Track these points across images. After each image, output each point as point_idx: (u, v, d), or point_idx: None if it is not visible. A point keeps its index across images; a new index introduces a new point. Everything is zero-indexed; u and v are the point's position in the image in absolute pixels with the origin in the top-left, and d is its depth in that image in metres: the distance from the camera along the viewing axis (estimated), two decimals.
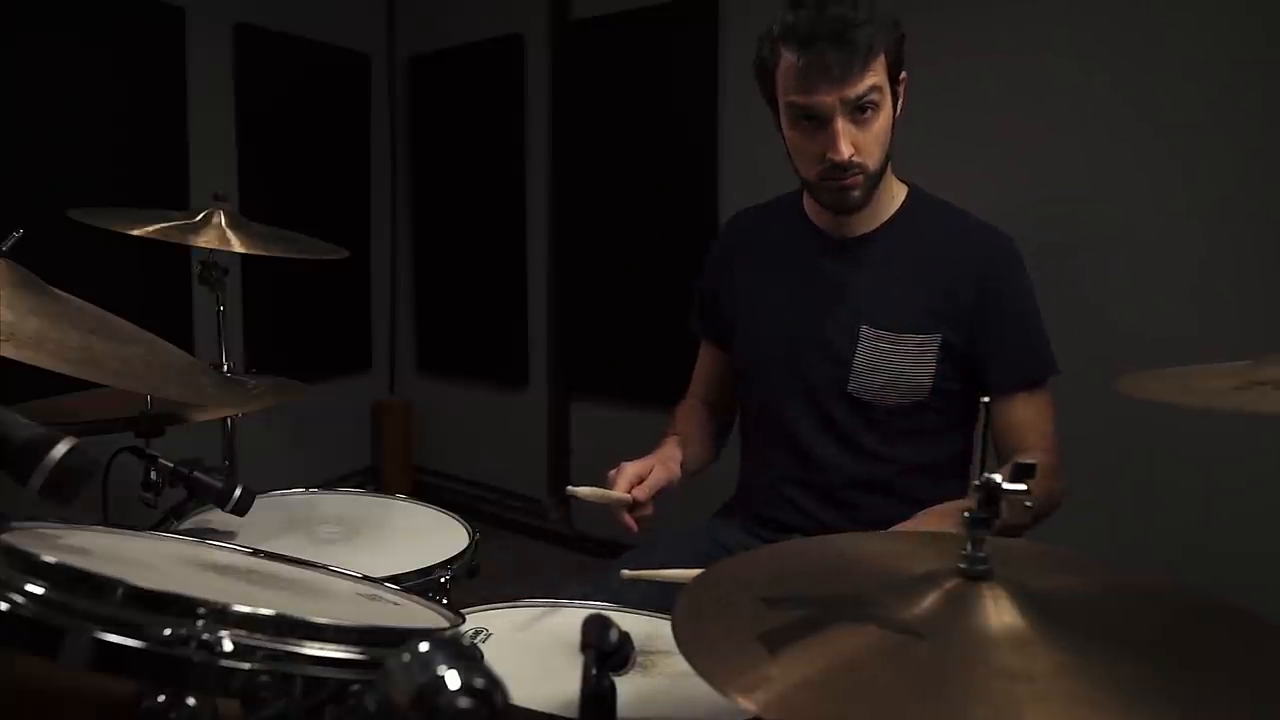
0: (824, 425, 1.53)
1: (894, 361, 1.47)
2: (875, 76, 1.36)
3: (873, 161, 1.41)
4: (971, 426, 1.55)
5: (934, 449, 1.52)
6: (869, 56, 1.34)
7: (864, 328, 1.48)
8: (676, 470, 1.48)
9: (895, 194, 1.53)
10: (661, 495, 1.42)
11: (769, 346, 1.58)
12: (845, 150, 1.36)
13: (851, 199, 1.44)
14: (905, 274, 1.49)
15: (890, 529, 1.28)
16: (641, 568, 1.24)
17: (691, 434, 1.64)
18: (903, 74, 1.44)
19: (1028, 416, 1.47)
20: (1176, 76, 2.31)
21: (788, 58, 1.38)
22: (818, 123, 1.38)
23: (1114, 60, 2.39)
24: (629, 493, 1.37)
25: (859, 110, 1.36)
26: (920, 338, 1.46)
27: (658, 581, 1.19)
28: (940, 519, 1.32)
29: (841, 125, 1.36)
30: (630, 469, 1.40)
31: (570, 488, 1.35)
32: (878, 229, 1.52)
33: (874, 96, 1.36)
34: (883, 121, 1.40)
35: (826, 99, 1.35)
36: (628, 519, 1.38)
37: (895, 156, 1.50)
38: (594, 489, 1.36)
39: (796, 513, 1.55)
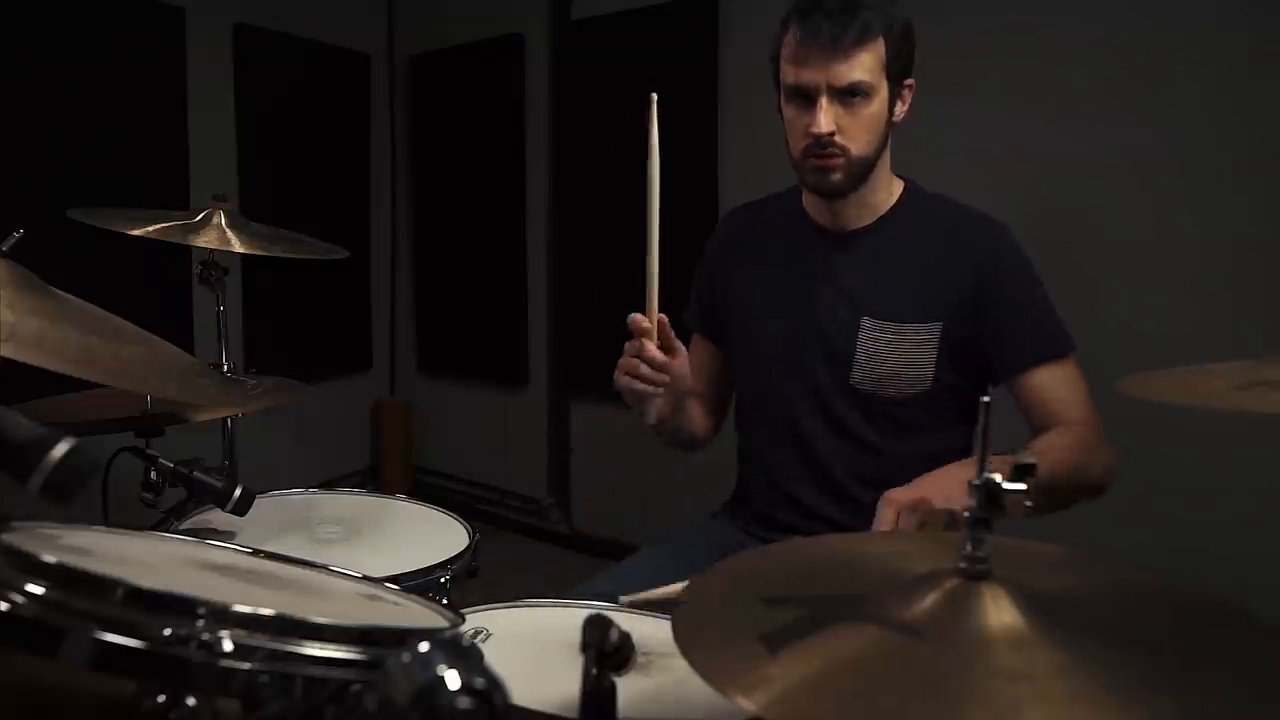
0: (826, 419, 1.53)
1: (896, 352, 1.48)
2: (866, 65, 1.38)
3: (856, 147, 1.42)
4: (973, 420, 1.55)
5: (936, 442, 1.52)
6: (862, 37, 1.37)
7: (865, 319, 1.49)
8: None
9: (892, 189, 1.55)
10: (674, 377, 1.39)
11: (769, 342, 1.58)
12: (825, 124, 1.39)
13: (831, 181, 1.44)
14: (904, 265, 1.50)
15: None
16: (639, 578, 1.22)
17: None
18: (909, 80, 1.46)
19: (1057, 388, 1.44)
20: (1173, 74, 2.31)
21: (790, 36, 1.43)
22: (807, 100, 1.41)
23: (1110, 58, 2.39)
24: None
25: (847, 95, 1.39)
26: (921, 327, 1.47)
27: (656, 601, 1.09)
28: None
29: (825, 103, 1.39)
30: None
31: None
32: (874, 222, 1.53)
33: (862, 86, 1.38)
34: (872, 111, 1.41)
35: (815, 76, 1.39)
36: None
37: (894, 154, 1.50)
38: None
39: (798, 509, 1.55)
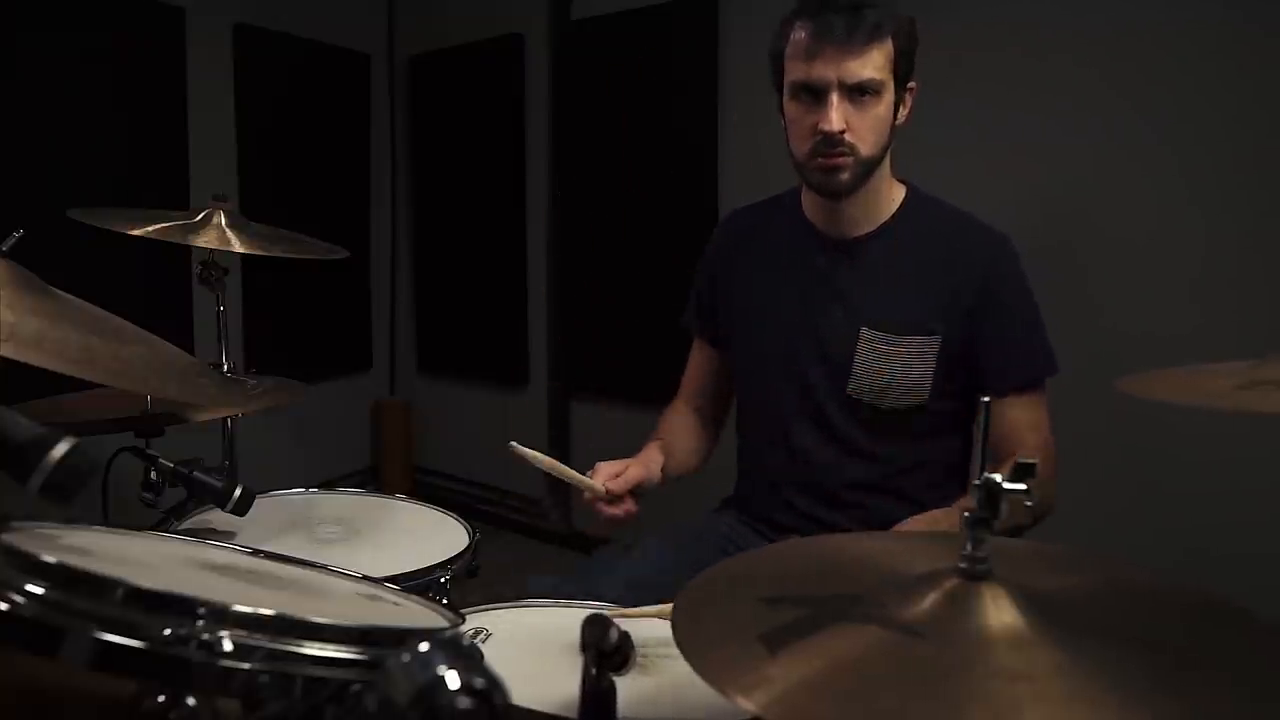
0: (822, 427, 1.52)
1: (894, 364, 1.46)
2: (877, 63, 1.37)
3: (865, 146, 1.41)
4: (970, 427, 1.55)
5: (932, 450, 1.52)
6: (874, 34, 1.36)
7: (863, 329, 1.48)
8: (657, 472, 1.49)
9: (894, 195, 1.53)
10: (641, 491, 1.44)
11: (767, 348, 1.58)
12: (836, 122, 1.38)
13: (838, 181, 1.43)
14: (904, 275, 1.48)
15: (892, 529, 1.29)
16: (636, 571, 1.23)
17: (675, 442, 1.63)
18: (912, 82, 1.45)
19: (1022, 419, 1.46)
20: (1175, 72, 2.30)
21: (797, 32, 1.41)
22: (815, 97, 1.40)
23: (1114, 54, 2.39)
24: (602, 484, 1.39)
25: (857, 93, 1.38)
26: (920, 339, 1.46)
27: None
28: (938, 520, 1.33)
29: (836, 100, 1.38)
30: (605, 466, 1.42)
31: (514, 444, 1.33)
32: (876, 230, 1.52)
33: (873, 84, 1.38)
34: (880, 111, 1.40)
35: (827, 73, 1.37)
36: (603, 508, 1.40)
37: (896, 153, 1.50)
38: (542, 455, 1.36)
39: (794, 514, 1.55)
